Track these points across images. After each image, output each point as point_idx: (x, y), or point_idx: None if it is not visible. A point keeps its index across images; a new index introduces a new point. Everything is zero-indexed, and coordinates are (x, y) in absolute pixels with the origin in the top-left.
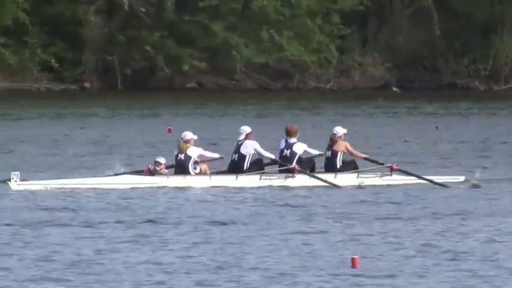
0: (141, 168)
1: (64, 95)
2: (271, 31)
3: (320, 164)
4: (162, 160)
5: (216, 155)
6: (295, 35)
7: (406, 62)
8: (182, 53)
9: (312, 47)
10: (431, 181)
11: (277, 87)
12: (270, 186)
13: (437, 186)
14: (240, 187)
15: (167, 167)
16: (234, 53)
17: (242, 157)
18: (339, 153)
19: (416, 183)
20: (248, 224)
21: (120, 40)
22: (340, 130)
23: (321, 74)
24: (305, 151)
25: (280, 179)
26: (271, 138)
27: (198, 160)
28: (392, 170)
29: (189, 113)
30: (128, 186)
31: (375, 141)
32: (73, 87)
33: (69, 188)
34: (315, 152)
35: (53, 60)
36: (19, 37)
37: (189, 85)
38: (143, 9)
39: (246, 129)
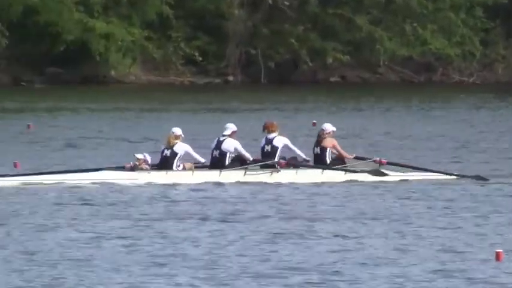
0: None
1: (208, 88)
2: (415, 24)
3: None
4: (141, 156)
5: (202, 159)
6: (439, 28)
7: None
8: (326, 46)
9: (455, 40)
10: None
11: (421, 81)
12: (254, 181)
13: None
14: (224, 183)
15: (148, 164)
16: (377, 46)
17: (223, 154)
18: (328, 149)
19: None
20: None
21: (264, 33)
22: (329, 127)
23: (464, 67)
24: (288, 147)
25: (266, 174)
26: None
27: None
28: (381, 163)
29: (334, 107)
30: (108, 182)
31: None
32: (217, 80)
33: (46, 184)
34: (299, 153)
35: (196, 54)
36: (163, 31)
37: (332, 79)
38: (287, 3)
39: (232, 126)
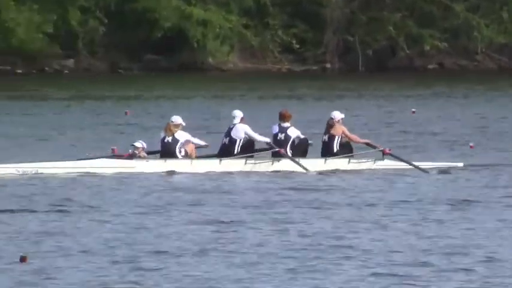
0: None
1: (305, 76)
2: None
3: (317, 148)
4: (139, 144)
5: (203, 142)
6: None
7: None
8: (423, 33)
9: None
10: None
11: None
12: (254, 170)
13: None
14: (225, 172)
15: (147, 153)
16: (475, 33)
17: (233, 141)
18: (336, 137)
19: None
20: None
21: (362, 20)
22: (337, 115)
23: None
24: (298, 137)
25: (267, 163)
26: None
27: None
28: (384, 154)
29: (433, 95)
30: (106, 171)
31: None
32: (314, 68)
33: (44, 172)
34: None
35: (293, 41)
36: (260, 18)
37: (430, 66)
38: None
39: (239, 113)
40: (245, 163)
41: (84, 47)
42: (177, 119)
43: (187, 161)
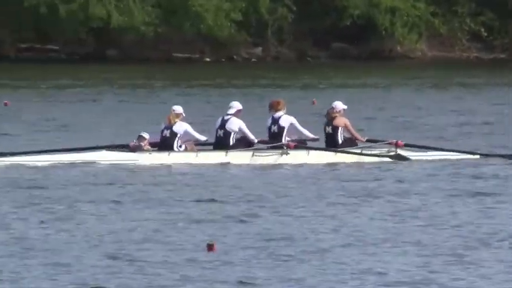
0: None
1: (493, 64)
2: None
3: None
4: (146, 135)
5: (203, 138)
6: None
7: None
8: None
9: None
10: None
11: None
12: (262, 163)
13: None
14: (230, 164)
15: (151, 144)
16: None
17: (227, 133)
18: (340, 128)
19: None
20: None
21: None
22: (339, 105)
23: None
24: (294, 126)
25: (275, 156)
26: None
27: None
28: (397, 146)
29: None
30: (107, 163)
31: None
32: (502, 56)
33: (44, 164)
34: (307, 133)
35: (482, 29)
36: (448, 6)
37: None
38: None
39: (237, 105)
40: (252, 155)
41: (273, 35)
42: (178, 108)
43: (192, 154)
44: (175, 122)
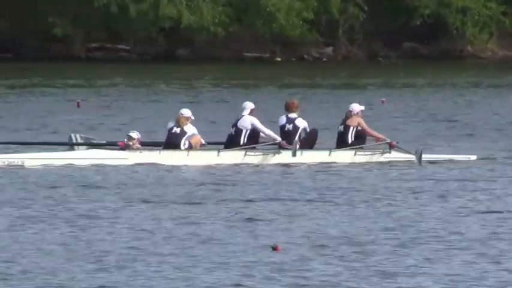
0: None
1: None
2: None
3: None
4: (134, 134)
5: (203, 141)
6: None
7: None
8: None
9: None
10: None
11: None
12: (249, 163)
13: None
14: (220, 164)
15: (141, 143)
16: None
17: (239, 131)
18: (352, 127)
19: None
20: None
21: None
22: (356, 107)
23: None
24: (305, 128)
25: (266, 155)
26: None
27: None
28: (391, 146)
29: None
30: (96, 162)
31: None
32: None
33: (38, 163)
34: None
35: None
36: None
37: None
38: None
39: (250, 105)
40: (245, 155)
41: (344, 35)
42: (186, 112)
43: (184, 152)
44: (185, 124)
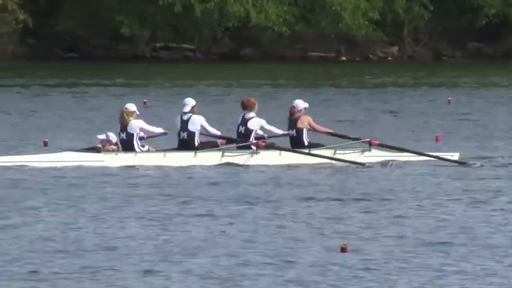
0: None
1: None
2: None
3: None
4: (102, 136)
5: (160, 130)
6: None
7: None
8: None
9: None
10: (424, 154)
11: None
12: (231, 163)
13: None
14: (199, 165)
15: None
16: None
17: (191, 134)
18: (304, 130)
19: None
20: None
21: None
22: (301, 104)
23: None
24: (264, 128)
25: (244, 156)
26: None
27: (145, 136)
28: (371, 145)
29: None
30: (72, 164)
31: None
32: None
33: (12, 166)
34: (277, 131)
35: None
36: None
37: None
38: None
39: (191, 101)
40: (222, 156)
41: (409, 34)
42: (131, 107)
43: (160, 154)
44: (129, 121)
